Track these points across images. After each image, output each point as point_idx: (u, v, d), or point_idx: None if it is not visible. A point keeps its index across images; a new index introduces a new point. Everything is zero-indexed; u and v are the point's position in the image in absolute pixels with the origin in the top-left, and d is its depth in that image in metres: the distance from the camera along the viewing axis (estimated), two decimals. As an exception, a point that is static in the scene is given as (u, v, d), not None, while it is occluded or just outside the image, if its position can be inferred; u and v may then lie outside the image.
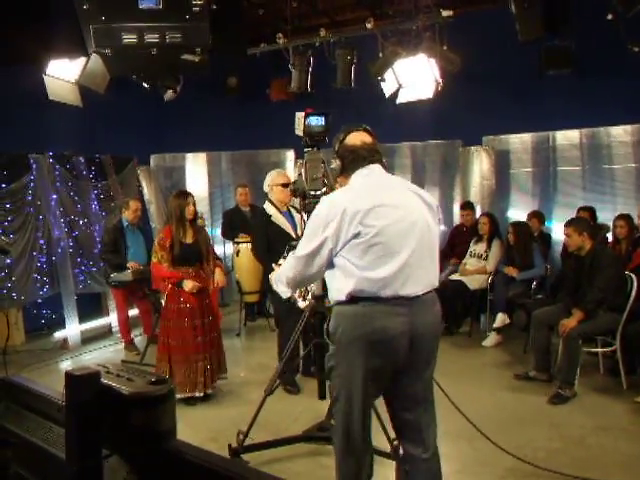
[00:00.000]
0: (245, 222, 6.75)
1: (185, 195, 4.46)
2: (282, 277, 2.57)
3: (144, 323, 6.22)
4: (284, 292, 2.65)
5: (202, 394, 4.43)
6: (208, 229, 8.22)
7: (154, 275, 4.50)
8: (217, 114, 7.99)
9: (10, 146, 6.00)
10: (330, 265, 2.41)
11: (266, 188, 4.75)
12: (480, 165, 7.45)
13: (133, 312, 6.37)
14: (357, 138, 2.58)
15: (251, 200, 7.07)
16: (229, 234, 6.86)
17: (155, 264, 4.41)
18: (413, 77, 6.36)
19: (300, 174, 3.40)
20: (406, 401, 2.46)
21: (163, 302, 4.47)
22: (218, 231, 8.11)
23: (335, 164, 2.55)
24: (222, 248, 8.19)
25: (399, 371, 2.39)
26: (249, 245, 6.26)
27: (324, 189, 3.29)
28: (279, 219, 4.62)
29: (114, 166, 7.42)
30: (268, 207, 4.67)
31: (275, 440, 3.50)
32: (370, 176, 2.47)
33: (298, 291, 4.09)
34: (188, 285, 4.35)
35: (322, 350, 3.29)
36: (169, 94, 6.40)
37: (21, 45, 4.41)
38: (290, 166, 8.32)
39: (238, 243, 6.57)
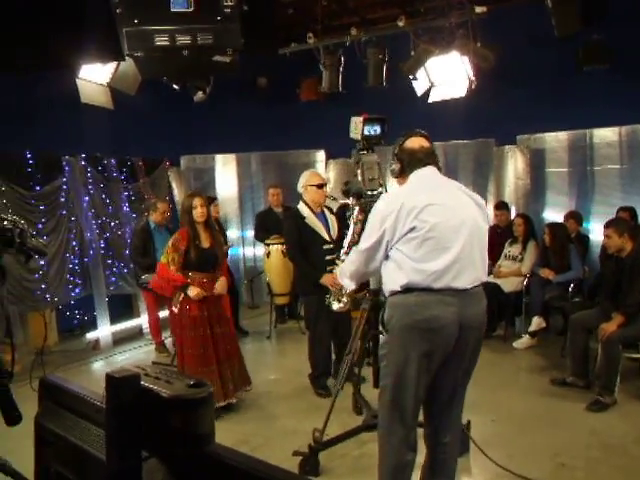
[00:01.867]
0: (278, 223, 6.70)
1: (191, 196, 4.32)
2: (345, 271, 2.87)
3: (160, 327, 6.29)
4: (348, 285, 2.92)
5: (224, 404, 4.27)
6: (237, 232, 8.32)
7: (158, 275, 4.30)
8: (247, 115, 8.05)
9: (44, 148, 6.13)
10: (385, 258, 2.62)
11: (300, 189, 4.75)
12: (514, 164, 7.36)
13: (164, 314, 6.42)
14: (415, 142, 2.78)
15: (283, 201, 7.10)
16: (262, 236, 6.89)
17: (162, 265, 4.22)
18: (445, 75, 6.32)
19: (356, 175, 3.57)
20: (445, 386, 2.66)
21: (175, 308, 4.27)
22: (248, 233, 8.17)
23: (395, 166, 2.78)
24: (252, 250, 8.25)
25: (447, 358, 2.57)
26: (280, 246, 6.37)
27: (380, 189, 3.50)
28: (313, 220, 4.62)
29: (145, 168, 7.52)
30: (302, 208, 4.68)
31: (346, 432, 3.60)
32: (425, 177, 2.69)
33: (333, 295, 4.17)
34: (193, 292, 4.17)
35: (378, 341, 3.43)
36: (199, 95, 6.48)
37: (56, 50, 4.51)
38: (320, 167, 8.33)
39: (269, 245, 6.59)
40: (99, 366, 6.02)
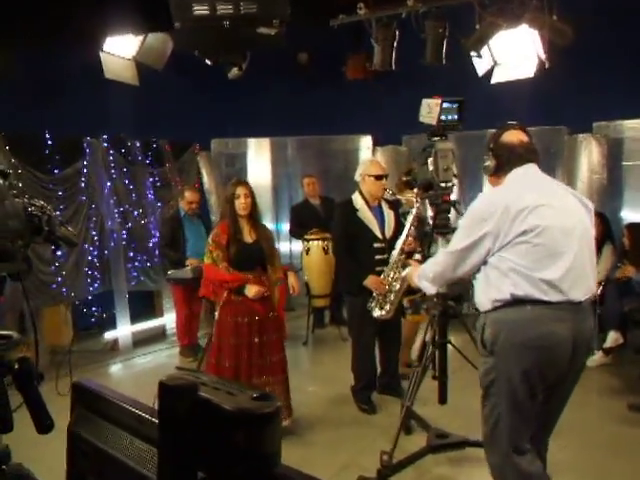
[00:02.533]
0: (316, 216, 6.82)
1: (235, 185, 4.24)
2: (428, 272, 2.89)
3: (191, 327, 6.35)
4: (427, 288, 2.96)
5: None
6: (270, 225, 8.33)
7: (207, 278, 4.25)
8: (284, 95, 8.06)
9: (63, 128, 6.21)
10: (482, 264, 2.63)
11: (357, 177, 4.75)
12: (589, 156, 7.19)
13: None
14: (514, 136, 2.76)
15: (321, 191, 7.10)
16: (296, 231, 6.93)
17: (209, 266, 4.18)
18: (512, 53, 6.20)
19: (424, 163, 3.58)
20: (552, 410, 2.72)
21: (216, 314, 4.25)
22: (284, 227, 8.21)
23: (490, 162, 2.77)
24: (288, 245, 8.24)
25: (558, 379, 2.59)
26: (320, 242, 6.47)
27: (455, 180, 3.54)
28: (366, 214, 4.61)
29: (172, 151, 7.59)
30: (357, 199, 4.67)
31: (412, 455, 3.66)
32: (527, 175, 2.68)
33: (376, 300, 4.29)
34: (252, 290, 4.10)
35: (445, 351, 3.61)
36: (234, 72, 6.46)
37: (80, 21, 4.57)
38: (366, 155, 8.31)
39: (308, 240, 6.62)
40: (117, 369, 6.12)
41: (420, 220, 4.58)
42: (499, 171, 2.74)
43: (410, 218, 4.28)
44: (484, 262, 2.63)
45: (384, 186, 4.60)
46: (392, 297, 4.35)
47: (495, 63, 6.33)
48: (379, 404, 4.79)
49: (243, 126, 8.17)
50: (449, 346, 3.73)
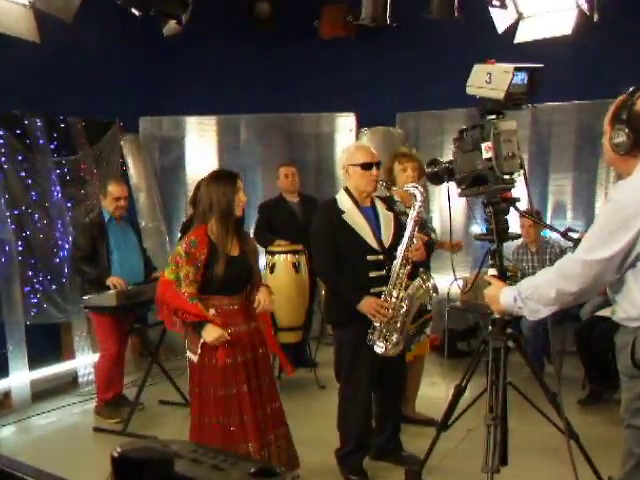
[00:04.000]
0: (291, 220, 6.85)
1: (233, 178, 4.30)
2: (547, 290, 2.92)
3: (116, 373, 6.24)
4: (536, 312, 3.01)
5: None
6: None
7: (161, 298, 4.22)
8: (237, 58, 8.08)
9: None
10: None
11: (340, 170, 4.75)
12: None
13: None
14: None
15: (300, 186, 7.18)
16: (266, 238, 6.85)
17: (168, 282, 4.16)
18: (542, 3, 6.28)
19: (473, 149, 3.60)
20: None
21: (193, 356, 4.22)
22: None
23: (622, 138, 2.79)
24: None
25: None
26: (290, 257, 6.45)
27: (521, 171, 3.57)
28: (355, 218, 4.55)
29: (87, 134, 7.49)
30: (342, 198, 4.62)
31: None
32: None
33: (378, 330, 4.32)
34: (210, 335, 4.07)
35: (505, 396, 3.62)
36: (171, 26, 6.43)
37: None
38: (349, 139, 8.34)
39: (272, 254, 6.56)
40: (9, 433, 5.96)
41: (421, 224, 4.67)
42: (635, 148, 2.78)
43: (412, 214, 4.36)
44: (632, 265, 2.73)
45: (375, 177, 4.56)
46: (399, 324, 4.34)
47: (520, 16, 6.38)
48: (374, 474, 4.74)
49: (182, 100, 8.16)
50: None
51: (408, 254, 4.32)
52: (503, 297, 3.15)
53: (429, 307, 5.19)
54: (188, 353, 4.26)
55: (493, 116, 3.60)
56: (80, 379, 6.95)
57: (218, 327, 4.10)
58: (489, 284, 3.47)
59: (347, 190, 4.62)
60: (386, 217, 4.65)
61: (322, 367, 6.81)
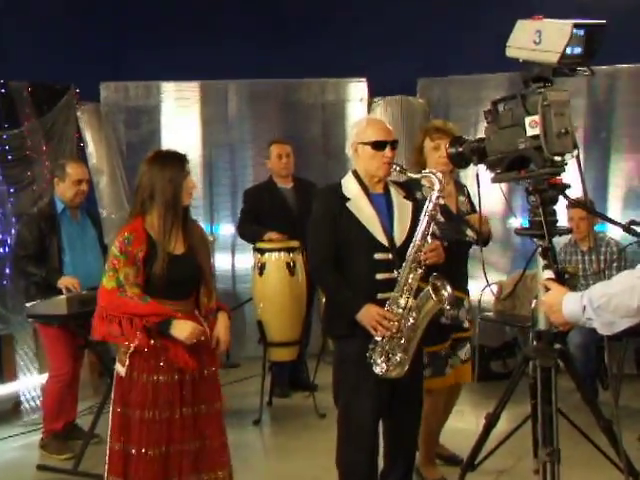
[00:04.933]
0: (284, 210, 6.92)
1: (179, 160, 4.28)
2: (627, 299, 2.89)
3: (68, 399, 6.14)
4: (610, 325, 2.98)
5: None
6: (202, 225, 8.21)
7: (107, 311, 4.12)
8: (224, 10, 8.04)
9: None
10: None
11: (348, 149, 4.70)
12: None
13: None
14: None
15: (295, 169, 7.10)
16: (253, 232, 6.80)
17: (111, 293, 4.11)
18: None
19: (516, 125, 3.50)
20: None
21: (121, 368, 4.18)
22: (223, 230, 8.29)
23: None
24: (228, 258, 8.28)
25: None
26: (283, 255, 6.39)
27: (575, 152, 3.48)
28: (361, 207, 4.46)
29: (34, 102, 7.45)
30: (348, 183, 4.53)
31: None
32: None
33: (380, 346, 4.22)
34: (184, 329, 4.05)
35: (552, 424, 3.55)
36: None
37: None
38: (360, 110, 8.31)
39: (262, 251, 6.46)
40: None
41: (445, 212, 4.72)
42: None
43: (428, 207, 4.27)
44: None
45: (388, 160, 4.45)
46: (404, 340, 4.24)
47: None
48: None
49: (155, 61, 8.10)
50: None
51: (420, 254, 4.24)
52: (567, 305, 3.07)
53: (465, 324, 5.11)
54: (117, 365, 4.20)
55: (540, 84, 3.48)
56: (23, 405, 6.86)
57: (188, 320, 4.09)
58: (546, 289, 3.41)
59: (355, 173, 4.55)
60: (402, 207, 4.54)
61: (322, 391, 6.65)
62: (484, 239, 4.93)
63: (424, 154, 5.16)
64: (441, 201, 4.41)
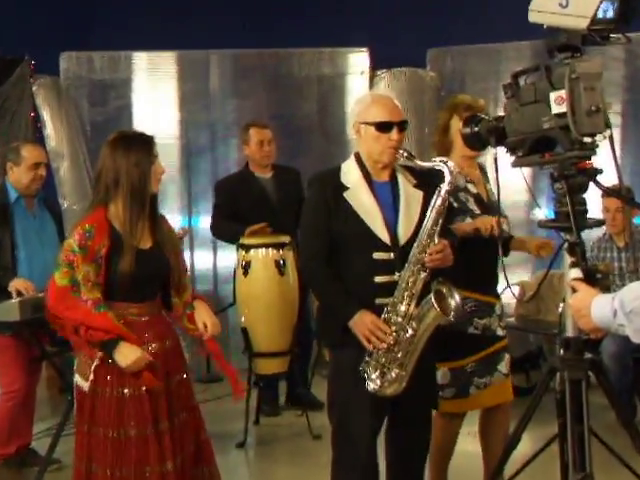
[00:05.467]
0: (263, 202, 6.89)
1: (145, 142, 4.29)
2: None
3: (21, 419, 6.10)
4: None
5: None
6: (178, 217, 8.22)
7: (56, 311, 4.17)
8: None
9: None
10: None
11: (351, 130, 4.74)
12: None
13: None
14: None
15: (277, 155, 7.02)
16: (228, 229, 6.82)
17: (61, 289, 4.12)
18: None
19: (532, 102, 3.46)
20: None
21: (83, 382, 4.15)
22: (202, 222, 8.25)
23: None
24: (211, 258, 8.28)
25: None
26: (271, 252, 6.40)
27: (607, 132, 3.36)
28: (360, 198, 4.42)
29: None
30: (348, 169, 4.50)
31: None
32: None
33: (374, 358, 4.21)
34: (128, 356, 4.03)
35: (583, 444, 3.50)
36: None
37: None
38: (362, 85, 8.32)
39: (247, 248, 6.40)
40: None
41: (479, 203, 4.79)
42: None
43: (436, 202, 4.22)
44: None
45: (394, 144, 4.41)
46: (401, 354, 4.21)
47: None
48: None
49: (124, 29, 8.10)
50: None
51: (425, 256, 4.18)
52: (596, 309, 3.01)
53: (499, 331, 5.00)
54: (77, 377, 4.20)
55: (568, 53, 3.40)
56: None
57: (134, 345, 4.06)
58: (573, 291, 3.35)
59: (358, 157, 4.52)
60: (410, 198, 4.49)
61: (317, 409, 6.70)
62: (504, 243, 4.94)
63: (450, 135, 5.07)
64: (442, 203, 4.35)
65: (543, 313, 7.15)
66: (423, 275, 4.15)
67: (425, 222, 4.23)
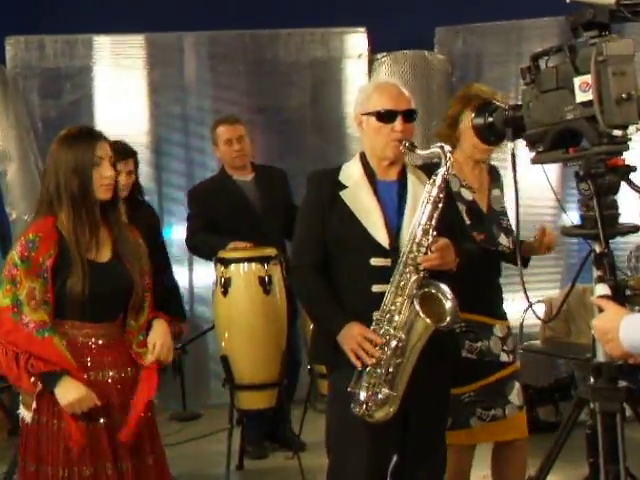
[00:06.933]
0: (246, 209, 6.96)
1: (89, 141, 4.26)
2: None
3: None
4: None
5: None
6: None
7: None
8: None
9: None
10: None
11: (353, 124, 4.92)
12: None
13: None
14: None
15: (256, 156, 7.10)
16: (205, 241, 6.86)
17: (1, 310, 4.10)
18: None
19: (560, 87, 3.46)
20: None
21: (26, 413, 4.18)
22: (175, 234, 8.38)
23: None
24: (186, 275, 8.28)
25: None
26: (254, 266, 6.39)
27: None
28: (358, 198, 4.47)
29: None
30: (350, 168, 4.57)
31: None
32: None
33: (365, 383, 4.21)
34: (69, 393, 4.00)
35: None
36: None
37: None
38: (361, 71, 8.37)
39: (226, 262, 6.42)
40: None
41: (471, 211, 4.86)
42: None
43: (431, 192, 4.26)
44: None
45: (399, 136, 4.43)
46: (392, 368, 4.23)
47: None
48: None
49: (82, 7, 8.18)
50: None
51: (422, 260, 4.19)
52: (626, 332, 3.00)
53: (503, 357, 5.04)
54: (21, 409, 4.22)
55: (595, 32, 3.40)
56: None
57: (79, 382, 4.04)
58: (599, 310, 3.37)
59: (363, 156, 4.57)
60: (418, 199, 4.49)
61: (311, 449, 6.80)
62: (524, 257, 4.97)
63: (458, 130, 5.13)
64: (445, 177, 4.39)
65: (574, 335, 7.15)
66: (414, 277, 4.17)
67: (418, 215, 4.25)
